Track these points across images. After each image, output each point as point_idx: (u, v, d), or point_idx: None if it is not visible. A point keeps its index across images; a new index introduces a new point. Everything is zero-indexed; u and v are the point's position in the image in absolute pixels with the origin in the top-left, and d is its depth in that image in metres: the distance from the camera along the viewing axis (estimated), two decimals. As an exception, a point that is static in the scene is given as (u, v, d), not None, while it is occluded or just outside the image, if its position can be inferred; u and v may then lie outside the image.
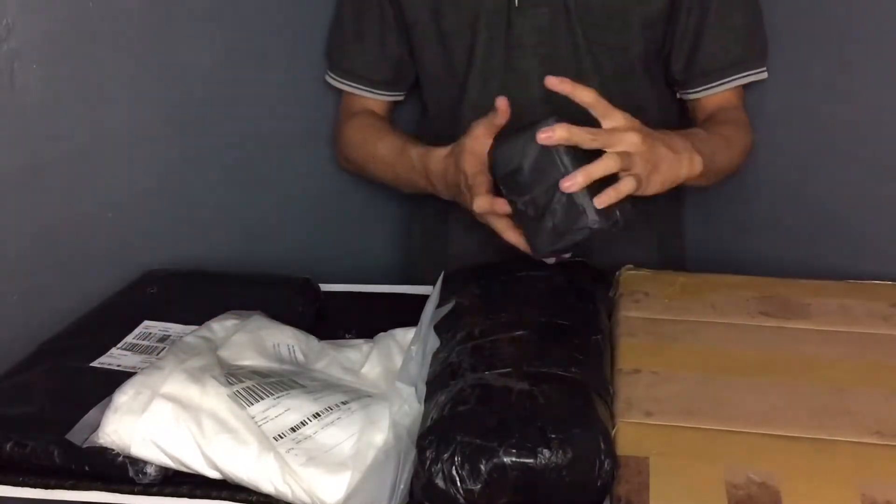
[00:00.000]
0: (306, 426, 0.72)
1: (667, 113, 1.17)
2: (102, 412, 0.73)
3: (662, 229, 1.20)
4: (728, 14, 1.07)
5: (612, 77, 1.09)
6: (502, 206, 0.88)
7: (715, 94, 1.11)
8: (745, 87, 1.12)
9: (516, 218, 0.88)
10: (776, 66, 1.12)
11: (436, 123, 1.20)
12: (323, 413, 0.73)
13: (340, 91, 1.21)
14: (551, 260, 0.91)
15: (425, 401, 0.74)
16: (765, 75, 1.11)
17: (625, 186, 0.83)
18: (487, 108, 1.06)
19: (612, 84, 1.09)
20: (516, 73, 1.09)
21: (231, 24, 1.18)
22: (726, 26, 1.07)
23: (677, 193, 1.21)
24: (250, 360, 0.82)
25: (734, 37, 1.08)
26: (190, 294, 1.02)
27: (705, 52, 1.08)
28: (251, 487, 0.69)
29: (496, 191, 0.89)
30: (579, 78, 1.07)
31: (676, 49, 1.10)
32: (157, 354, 0.88)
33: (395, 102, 1.23)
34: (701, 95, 1.11)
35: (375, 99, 1.20)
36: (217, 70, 1.17)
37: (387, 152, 1.11)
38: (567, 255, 0.91)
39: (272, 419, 0.72)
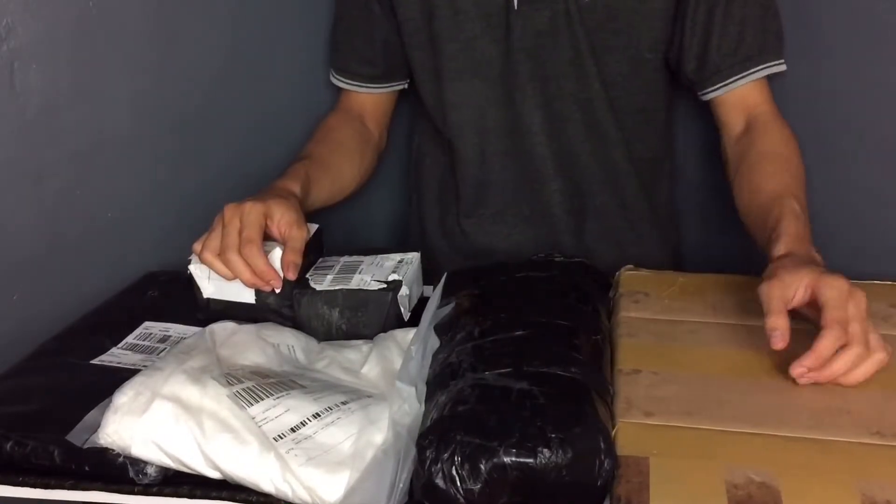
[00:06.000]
0: (306, 426, 0.72)
1: (675, 115, 1.17)
2: (102, 413, 0.73)
3: (662, 227, 1.20)
4: (737, 6, 1.03)
5: (618, 79, 1.07)
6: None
7: (732, 92, 1.06)
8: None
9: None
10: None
11: (429, 121, 1.19)
12: (323, 413, 0.73)
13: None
14: None
15: (425, 401, 0.74)
16: (783, 67, 1.06)
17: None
18: (480, 110, 1.07)
19: (619, 86, 1.07)
20: (514, 76, 1.08)
21: (231, 24, 1.18)
22: (736, 19, 1.03)
23: (670, 191, 1.21)
24: (250, 360, 0.82)
25: (745, 30, 1.03)
26: (190, 295, 1.02)
27: (716, 48, 1.04)
28: (251, 487, 0.69)
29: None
30: (580, 81, 1.07)
31: (686, 49, 1.06)
32: (158, 355, 0.88)
33: (395, 93, 1.22)
34: (716, 94, 1.07)
35: (368, 93, 1.20)
36: (217, 70, 1.17)
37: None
38: None
39: (272, 419, 0.72)
